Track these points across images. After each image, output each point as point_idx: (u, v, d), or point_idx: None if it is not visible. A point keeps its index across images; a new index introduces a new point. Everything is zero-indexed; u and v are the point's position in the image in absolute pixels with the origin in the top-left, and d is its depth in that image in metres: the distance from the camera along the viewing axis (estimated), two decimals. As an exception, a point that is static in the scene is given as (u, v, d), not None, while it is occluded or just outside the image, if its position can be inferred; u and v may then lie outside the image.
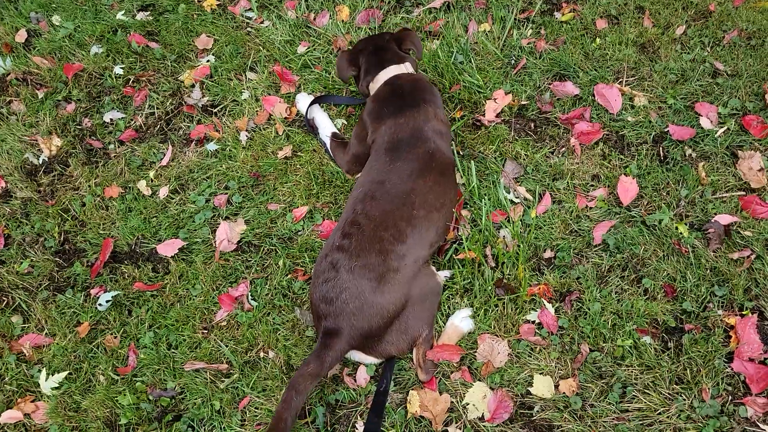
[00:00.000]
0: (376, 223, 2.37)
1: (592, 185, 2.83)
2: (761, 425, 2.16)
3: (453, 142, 2.98)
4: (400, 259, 2.32)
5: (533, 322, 2.47)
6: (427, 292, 2.40)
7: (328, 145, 3.02)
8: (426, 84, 2.84)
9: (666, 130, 2.93)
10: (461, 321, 2.46)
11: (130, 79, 3.53)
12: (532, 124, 3.07)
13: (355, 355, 2.37)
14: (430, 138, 2.61)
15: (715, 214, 2.64)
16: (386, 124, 2.68)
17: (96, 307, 2.70)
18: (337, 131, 3.07)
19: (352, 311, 2.24)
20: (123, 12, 3.88)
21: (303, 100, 3.23)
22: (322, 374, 2.23)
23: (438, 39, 3.43)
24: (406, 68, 2.87)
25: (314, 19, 3.65)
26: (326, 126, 3.09)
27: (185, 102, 3.41)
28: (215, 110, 3.36)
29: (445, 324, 2.48)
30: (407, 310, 2.32)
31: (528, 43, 3.35)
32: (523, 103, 3.11)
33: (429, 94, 2.77)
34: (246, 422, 2.36)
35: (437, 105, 2.76)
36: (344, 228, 2.40)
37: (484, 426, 2.27)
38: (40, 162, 3.26)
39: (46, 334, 2.68)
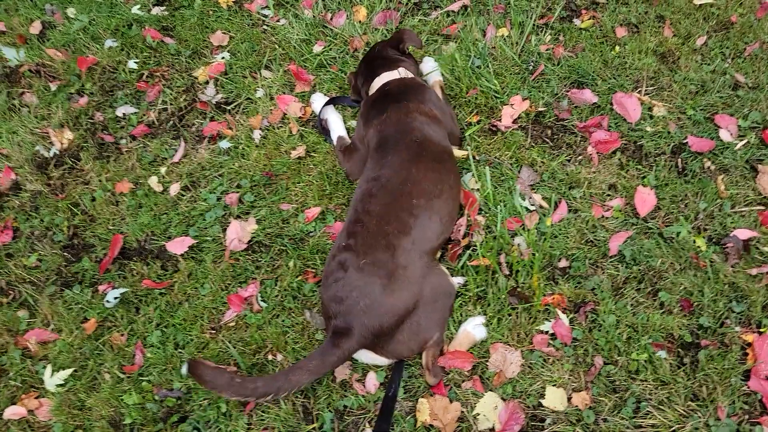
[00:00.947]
0: (378, 217, 2.37)
1: (608, 195, 2.79)
2: (778, 446, 2.12)
3: (469, 148, 2.95)
4: (407, 253, 2.31)
5: (547, 332, 2.43)
6: (440, 293, 2.37)
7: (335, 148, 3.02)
8: (414, 84, 2.86)
9: (685, 141, 2.88)
10: (474, 328, 2.42)
11: (143, 74, 3.51)
12: (549, 131, 3.03)
13: (365, 355, 2.33)
14: (415, 128, 2.64)
15: (734, 228, 2.60)
16: (373, 126, 2.73)
17: (103, 304, 2.68)
18: (344, 135, 3.04)
19: (363, 309, 2.21)
20: (138, 6, 3.86)
21: (318, 100, 3.20)
22: (322, 373, 2.22)
23: (455, 42, 3.40)
24: (399, 73, 2.90)
25: (331, 18, 3.62)
26: (336, 128, 3.06)
27: (199, 98, 3.39)
28: (229, 107, 3.33)
29: (457, 331, 2.45)
30: (419, 309, 2.29)
31: (546, 50, 3.31)
32: (540, 109, 3.08)
33: (414, 93, 2.79)
34: (252, 426, 2.33)
35: (422, 101, 2.76)
36: (349, 228, 2.41)
37: (494, 437, 2.23)
38: (51, 155, 3.24)
39: (52, 329, 2.66)
